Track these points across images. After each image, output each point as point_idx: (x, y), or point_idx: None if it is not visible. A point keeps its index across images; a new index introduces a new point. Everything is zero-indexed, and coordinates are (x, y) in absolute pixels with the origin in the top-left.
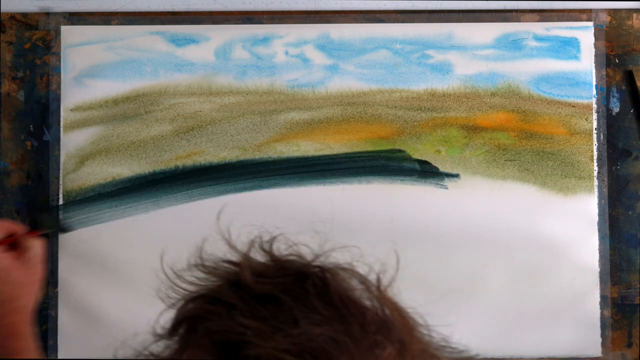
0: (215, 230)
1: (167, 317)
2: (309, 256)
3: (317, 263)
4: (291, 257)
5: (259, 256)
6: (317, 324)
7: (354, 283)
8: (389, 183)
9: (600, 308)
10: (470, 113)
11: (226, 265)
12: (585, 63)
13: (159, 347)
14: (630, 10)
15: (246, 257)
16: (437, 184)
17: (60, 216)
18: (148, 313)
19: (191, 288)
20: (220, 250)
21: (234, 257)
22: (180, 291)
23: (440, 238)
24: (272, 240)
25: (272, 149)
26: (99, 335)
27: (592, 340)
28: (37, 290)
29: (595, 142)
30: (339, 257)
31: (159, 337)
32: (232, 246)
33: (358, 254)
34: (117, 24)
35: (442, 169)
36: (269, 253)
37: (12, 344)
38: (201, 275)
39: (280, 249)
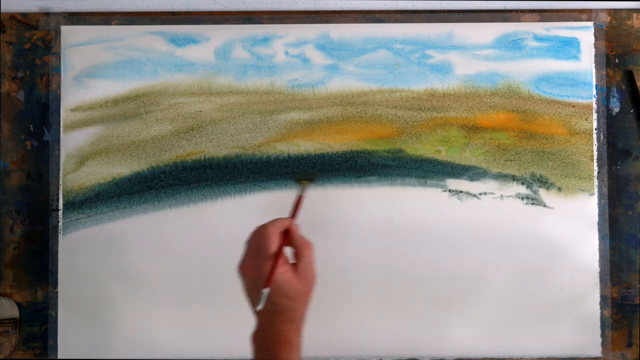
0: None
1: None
2: None
3: None
4: None
5: None
6: None
7: None
8: (389, 184)
9: (600, 308)
10: (470, 113)
11: None
12: (585, 63)
13: None
14: (630, 10)
15: None
16: (438, 184)
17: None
18: (147, 313)
19: None
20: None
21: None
22: None
23: (441, 238)
24: None
25: (272, 148)
26: (98, 335)
27: (592, 340)
28: (309, 300)
29: (595, 142)
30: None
31: None
32: None
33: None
34: (117, 24)
35: (442, 169)
36: None
37: (282, 352)
38: None
39: None
